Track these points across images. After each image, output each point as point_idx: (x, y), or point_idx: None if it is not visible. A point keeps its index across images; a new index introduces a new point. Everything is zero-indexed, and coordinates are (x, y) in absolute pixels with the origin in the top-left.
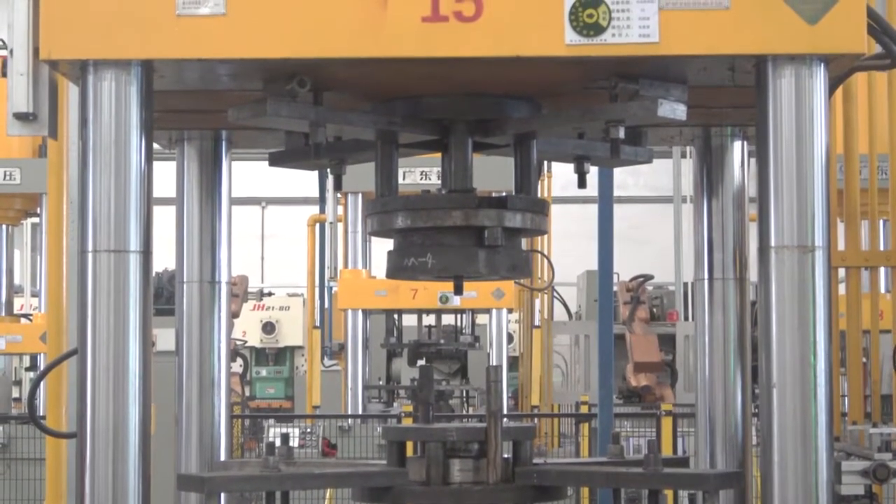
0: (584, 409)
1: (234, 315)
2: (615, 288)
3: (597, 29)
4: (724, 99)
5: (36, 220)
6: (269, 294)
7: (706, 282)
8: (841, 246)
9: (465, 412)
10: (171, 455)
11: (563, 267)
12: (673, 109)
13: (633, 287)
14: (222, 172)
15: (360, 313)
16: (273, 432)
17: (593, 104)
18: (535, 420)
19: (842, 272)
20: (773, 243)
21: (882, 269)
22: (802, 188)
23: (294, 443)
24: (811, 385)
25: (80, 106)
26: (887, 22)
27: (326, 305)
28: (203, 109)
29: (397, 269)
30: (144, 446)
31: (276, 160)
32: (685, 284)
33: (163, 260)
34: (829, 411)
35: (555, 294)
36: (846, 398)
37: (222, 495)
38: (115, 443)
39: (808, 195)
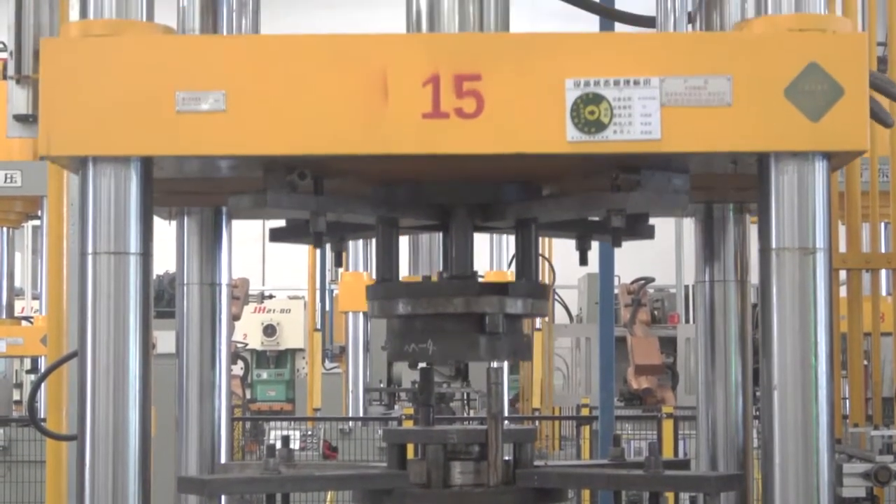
0: (585, 412)
1: (234, 317)
2: (616, 290)
3: (598, 126)
4: (727, 182)
5: (37, 222)
6: (270, 296)
7: (707, 284)
8: (842, 248)
9: (465, 414)
10: (171, 457)
11: (564, 269)
12: (675, 199)
13: (635, 289)
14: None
15: (360, 316)
16: (274, 435)
17: (594, 189)
18: (536, 423)
19: (843, 274)
20: (773, 245)
21: (883, 272)
22: (803, 190)
23: (295, 445)
24: (812, 387)
25: (80, 197)
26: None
27: (327, 308)
28: (203, 191)
29: (398, 353)
30: (144, 449)
31: (276, 237)
32: (686, 287)
33: (163, 262)
34: (831, 413)
35: (556, 296)
36: (847, 400)
37: (223, 498)
38: (115, 445)
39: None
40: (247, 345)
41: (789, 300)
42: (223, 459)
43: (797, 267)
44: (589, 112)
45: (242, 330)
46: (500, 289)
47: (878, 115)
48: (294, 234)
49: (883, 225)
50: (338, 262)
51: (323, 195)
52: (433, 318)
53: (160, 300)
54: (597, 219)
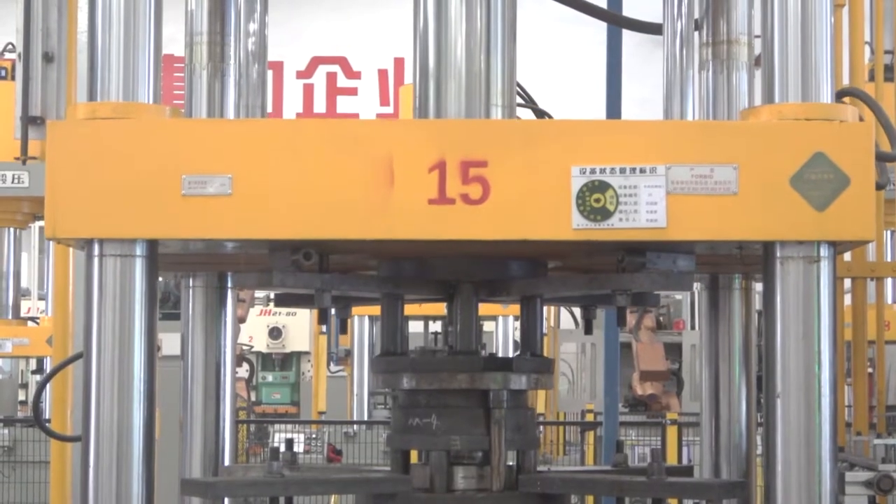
0: (589, 418)
1: (240, 320)
2: None
3: (604, 213)
4: (732, 261)
5: (43, 223)
6: None
7: (711, 291)
8: (846, 256)
9: None
10: (175, 459)
11: None
12: (680, 282)
13: None
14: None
15: (366, 319)
16: (278, 437)
17: (599, 266)
18: (541, 428)
19: (847, 282)
20: (778, 253)
21: (888, 280)
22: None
23: (299, 448)
24: (815, 395)
25: (85, 276)
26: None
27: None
28: (208, 262)
29: (402, 427)
30: (149, 451)
31: (281, 302)
32: (692, 293)
33: None
34: (834, 422)
35: None
36: (851, 408)
37: (226, 500)
38: (119, 447)
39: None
40: (252, 347)
41: (793, 308)
42: (227, 462)
43: (801, 275)
44: (595, 200)
45: (248, 332)
46: (504, 364)
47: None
48: (299, 300)
49: (889, 233)
50: (342, 331)
51: (328, 273)
52: (437, 393)
53: (166, 302)
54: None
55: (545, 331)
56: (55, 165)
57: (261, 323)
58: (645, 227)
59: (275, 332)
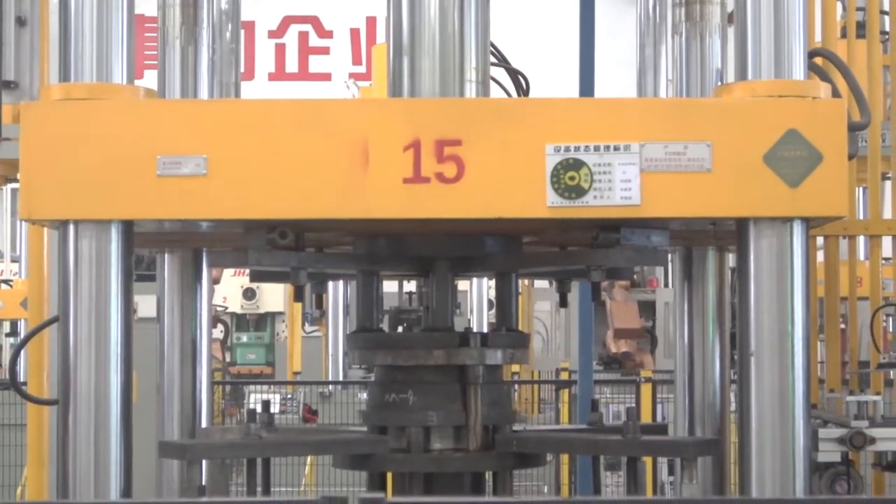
0: (564, 376)
1: (214, 281)
2: None
3: (578, 191)
4: (706, 234)
5: (17, 185)
6: None
7: (685, 250)
8: None
9: None
10: (152, 422)
11: None
12: (654, 257)
13: None
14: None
15: (339, 280)
16: (254, 398)
17: (574, 242)
18: (516, 386)
19: (820, 240)
20: (752, 230)
21: (861, 237)
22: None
23: (275, 409)
24: (789, 354)
25: (60, 255)
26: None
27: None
28: (184, 239)
29: (378, 404)
30: (126, 413)
31: (256, 277)
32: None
33: None
34: (807, 380)
35: None
36: (824, 364)
37: (204, 462)
38: (96, 410)
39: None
40: (226, 308)
41: (766, 267)
42: (204, 423)
43: (774, 234)
44: (569, 177)
45: (222, 293)
46: (480, 340)
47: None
48: (274, 276)
49: (861, 190)
50: (318, 305)
51: (304, 251)
52: (413, 370)
53: (140, 264)
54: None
55: (519, 289)
56: (29, 147)
57: (235, 284)
58: (619, 205)
59: (249, 293)
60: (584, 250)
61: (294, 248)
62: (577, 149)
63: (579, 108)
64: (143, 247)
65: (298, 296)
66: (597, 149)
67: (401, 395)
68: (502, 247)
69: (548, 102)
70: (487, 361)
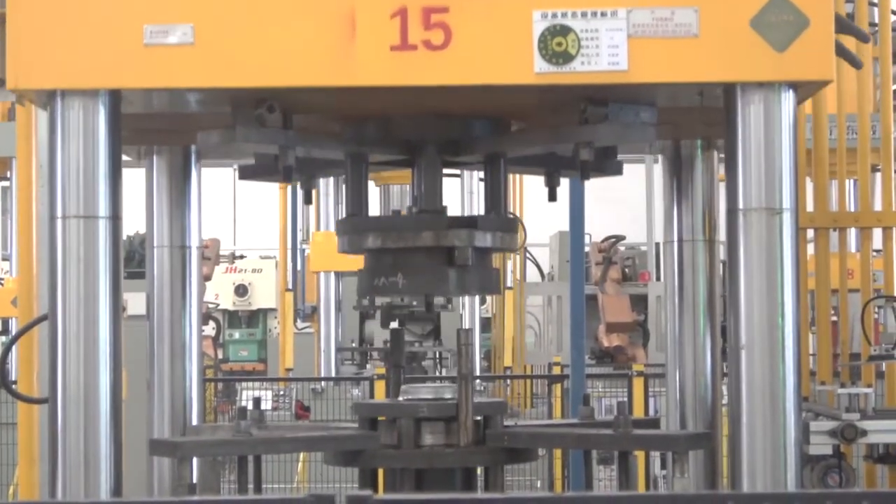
0: (556, 370)
1: (206, 278)
2: (587, 249)
3: (566, 57)
4: (694, 117)
5: (6, 183)
6: (242, 257)
7: (676, 244)
8: (809, 205)
9: (438, 373)
10: (143, 419)
11: (535, 227)
12: (643, 133)
13: (606, 248)
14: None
15: (332, 276)
16: (246, 395)
17: (563, 124)
18: (508, 381)
19: (810, 232)
20: (741, 206)
21: (851, 230)
22: (770, 151)
23: (267, 405)
24: (779, 347)
25: (49, 132)
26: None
27: (299, 268)
28: (172, 129)
29: (368, 288)
30: (116, 411)
31: (245, 174)
32: (657, 245)
33: (134, 223)
34: (798, 372)
35: (527, 255)
36: (815, 356)
37: (194, 460)
38: (86, 408)
39: (776, 160)
40: (218, 305)
41: (756, 260)
42: (195, 421)
43: (764, 228)
44: (556, 44)
45: (214, 290)
46: (469, 222)
47: (847, 55)
48: (263, 171)
49: (850, 182)
50: (307, 200)
51: (292, 130)
52: (403, 252)
53: (130, 261)
54: (567, 156)
55: (510, 284)
56: (17, 16)
57: (227, 280)
58: (607, 71)
59: (241, 290)
60: (573, 127)
61: (282, 126)
62: (563, 14)
63: None
64: (132, 143)
65: (287, 177)
66: (584, 14)
67: (390, 278)
68: (490, 130)
69: None
70: (477, 243)
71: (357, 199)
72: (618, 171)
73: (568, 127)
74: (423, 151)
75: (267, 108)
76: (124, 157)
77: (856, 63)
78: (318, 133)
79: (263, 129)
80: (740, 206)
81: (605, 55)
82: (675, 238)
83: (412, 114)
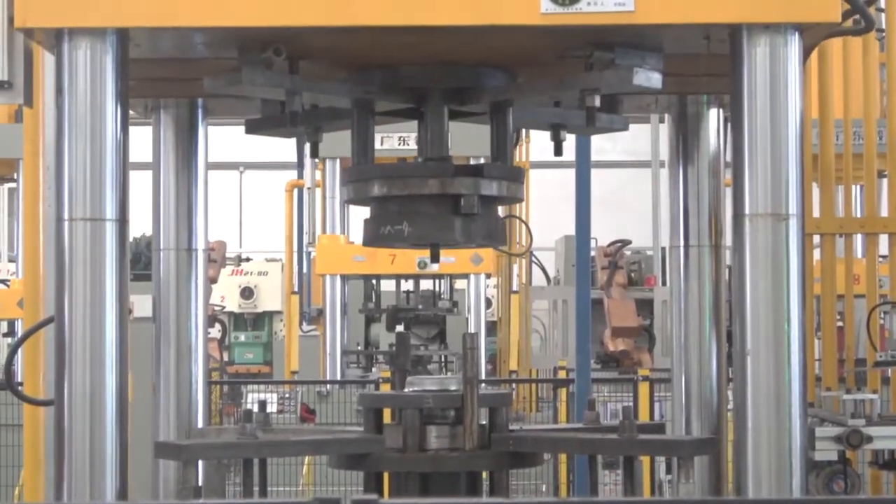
0: (562, 374)
1: (211, 280)
2: (593, 253)
3: None
4: (700, 67)
5: (13, 185)
6: (248, 259)
7: (682, 249)
8: (815, 210)
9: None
10: (148, 422)
11: (541, 232)
12: (648, 78)
13: (611, 252)
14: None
15: (338, 279)
16: (251, 398)
17: (569, 73)
18: (513, 385)
19: (816, 237)
20: (747, 211)
21: (857, 236)
22: (777, 156)
23: (272, 408)
24: (785, 352)
25: (56, 74)
26: None
27: (305, 271)
28: (179, 78)
29: (374, 237)
30: (121, 414)
31: (252, 127)
32: (663, 249)
33: (141, 225)
34: (803, 378)
35: (533, 259)
36: (820, 362)
37: (200, 462)
38: (92, 410)
39: (783, 164)
40: (224, 307)
41: (762, 266)
42: (200, 423)
43: (770, 233)
44: None
45: (220, 292)
46: (475, 170)
47: (861, 10)
48: (270, 124)
49: (857, 188)
50: (313, 153)
51: (297, 75)
52: (408, 200)
53: (137, 263)
54: (572, 109)
55: (516, 288)
56: None
57: (232, 283)
58: (613, 11)
59: (247, 293)
60: (579, 74)
61: (288, 71)
62: None
63: None
64: (139, 94)
65: (293, 122)
66: None
67: (396, 226)
68: (497, 79)
69: None
70: (482, 191)
71: (363, 148)
72: (624, 126)
73: (574, 74)
74: (429, 99)
75: (273, 52)
76: (130, 114)
77: (869, 20)
78: (324, 78)
79: (270, 72)
80: (746, 211)
81: None
82: (682, 243)
83: (418, 62)
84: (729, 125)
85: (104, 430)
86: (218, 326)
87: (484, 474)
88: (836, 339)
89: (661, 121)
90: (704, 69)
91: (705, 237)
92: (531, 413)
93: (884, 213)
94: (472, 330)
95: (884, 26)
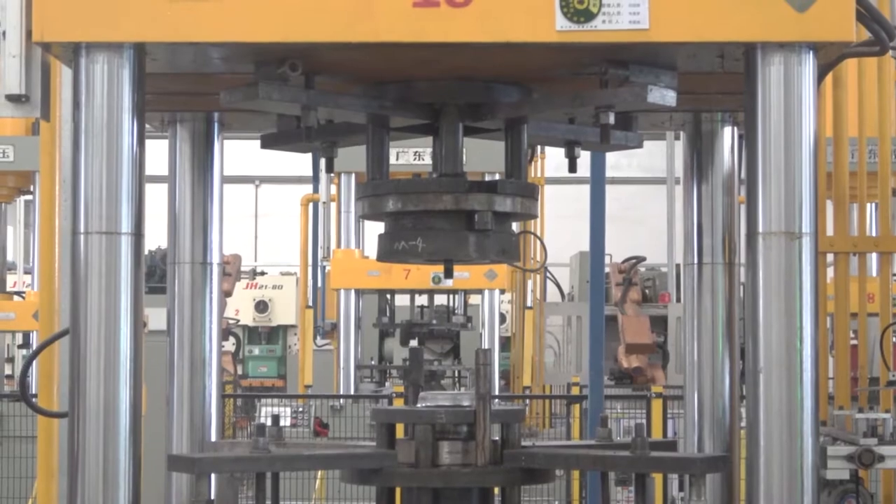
0: (575, 391)
1: (226, 294)
2: (607, 269)
3: (587, 15)
4: (714, 85)
5: (29, 197)
6: (262, 273)
7: (695, 266)
8: (829, 229)
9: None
10: (162, 434)
11: (555, 248)
12: (662, 95)
13: (626, 268)
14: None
15: (352, 293)
16: (265, 411)
17: (583, 89)
18: (527, 401)
19: (830, 256)
20: (760, 229)
21: (871, 255)
22: (790, 175)
23: (286, 422)
24: (797, 370)
25: (73, 88)
26: (876, 8)
27: (319, 285)
28: (195, 92)
29: (388, 252)
30: (135, 426)
31: (267, 142)
32: (677, 266)
33: (156, 238)
34: (815, 396)
35: (547, 275)
36: (833, 380)
37: (212, 476)
38: (105, 423)
39: (796, 182)
40: (238, 321)
41: (775, 284)
42: (213, 436)
43: (783, 251)
44: (578, 1)
45: (234, 306)
46: (489, 186)
47: (881, 26)
48: (285, 139)
49: (871, 206)
50: (328, 168)
51: (314, 90)
52: (423, 216)
53: (152, 276)
54: (587, 126)
55: (530, 304)
56: None
57: (247, 296)
58: (628, 29)
59: (261, 306)
60: (594, 91)
61: (304, 86)
62: None
63: None
64: (155, 107)
65: (308, 136)
66: None
67: (410, 242)
68: (512, 95)
69: None
70: (496, 207)
71: (377, 163)
72: (638, 143)
73: (588, 91)
74: (443, 115)
75: (289, 67)
76: (147, 127)
77: (884, 43)
78: (339, 93)
79: (286, 87)
80: (760, 229)
81: (627, 13)
82: (695, 260)
83: (433, 77)
84: (743, 143)
85: (118, 442)
86: (232, 340)
87: (496, 490)
88: (850, 357)
89: (677, 137)
90: (718, 87)
91: (719, 254)
92: (544, 429)
93: None
94: (485, 345)
95: None
